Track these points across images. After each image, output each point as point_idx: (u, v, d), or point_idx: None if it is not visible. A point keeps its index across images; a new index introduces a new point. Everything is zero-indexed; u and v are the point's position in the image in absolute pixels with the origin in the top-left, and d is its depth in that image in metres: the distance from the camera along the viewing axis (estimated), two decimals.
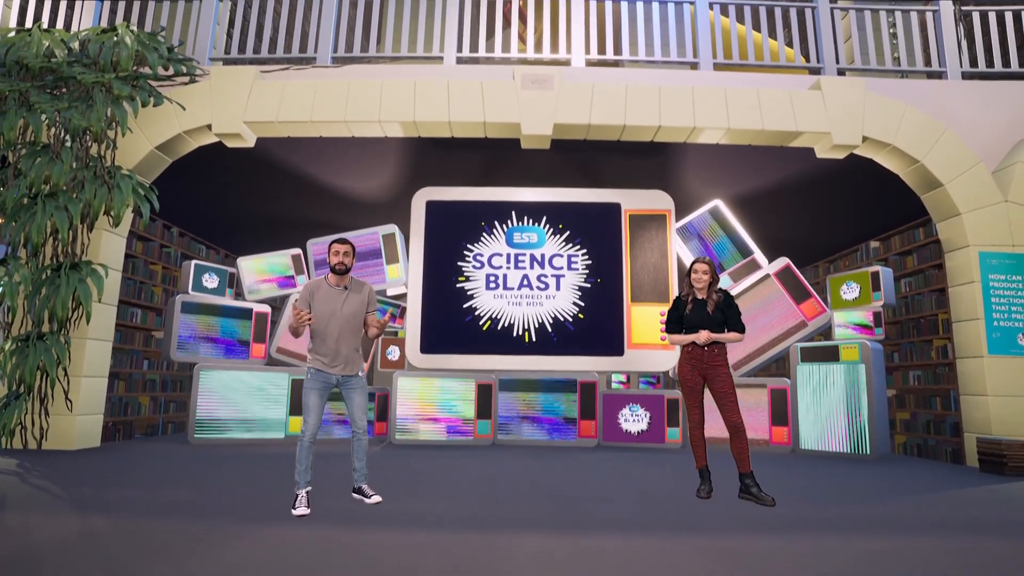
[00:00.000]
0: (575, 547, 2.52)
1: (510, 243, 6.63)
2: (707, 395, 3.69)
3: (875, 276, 5.89)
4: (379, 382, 7.34)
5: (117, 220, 5.01)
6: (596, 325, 6.42)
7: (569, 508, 3.27)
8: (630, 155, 6.44)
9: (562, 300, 6.50)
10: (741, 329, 3.62)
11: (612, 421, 6.21)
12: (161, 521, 2.79)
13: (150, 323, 6.71)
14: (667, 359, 6.26)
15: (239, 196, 7.25)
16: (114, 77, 5.02)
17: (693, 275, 3.71)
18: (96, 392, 5.29)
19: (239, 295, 6.61)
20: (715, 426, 5.05)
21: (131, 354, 6.41)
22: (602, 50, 6.08)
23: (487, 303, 6.50)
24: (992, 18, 5.87)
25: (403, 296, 6.99)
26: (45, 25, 5.43)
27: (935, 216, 5.64)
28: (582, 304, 6.48)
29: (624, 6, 6.03)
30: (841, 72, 5.91)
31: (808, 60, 6.07)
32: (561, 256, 6.60)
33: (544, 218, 6.67)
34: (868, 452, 5.42)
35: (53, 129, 5.07)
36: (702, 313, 3.65)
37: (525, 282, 6.55)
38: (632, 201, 6.63)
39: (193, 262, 6.20)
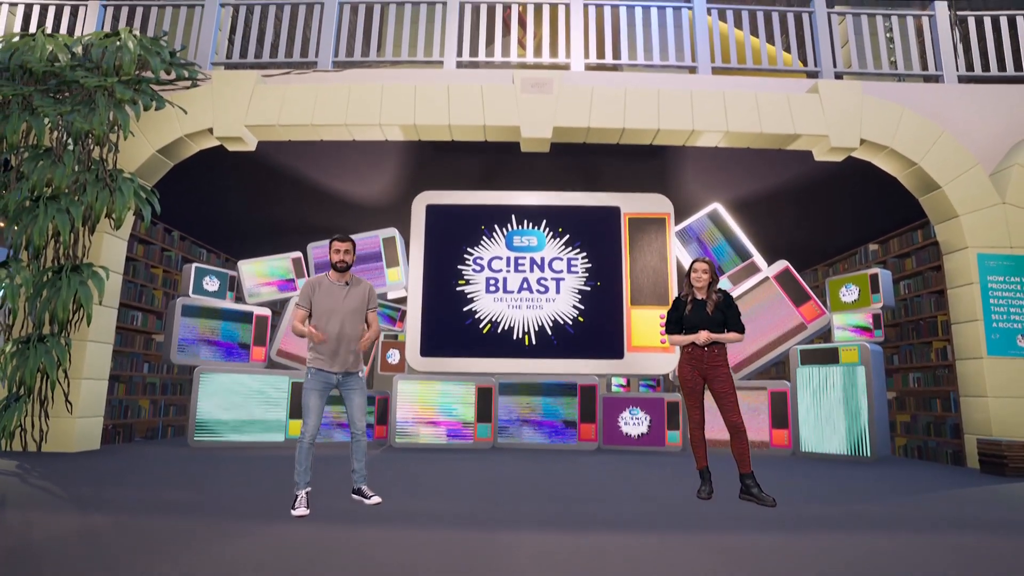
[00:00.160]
0: (575, 545, 2.52)
1: (510, 246, 6.64)
2: (707, 396, 3.69)
3: (874, 278, 5.90)
4: (379, 386, 7.34)
5: (118, 223, 5.03)
6: (596, 328, 6.42)
7: (569, 508, 3.27)
8: (629, 159, 6.47)
9: (562, 303, 6.51)
10: (741, 329, 3.62)
11: (612, 424, 6.20)
12: (161, 519, 2.79)
13: (150, 326, 6.71)
14: (667, 362, 6.26)
15: (240, 200, 7.27)
16: (116, 81, 5.05)
17: (693, 275, 3.72)
18: (96, 395, 5.29)
19: (239, 298, 6.62)
20: (715, 428, 5.05)
21: (131, 357, 6.42)
22: (601, 55, 6.13)
23: (487, 306, 6.51)
24: (987, 23, 5.92)
25: (403, 299, 7.00)
26: (49, 30, 5.47)
27: (933, 218, 5.66)
28: (582, 307, 6.49)
29: (623, 11, 6.08)
30: (838, 76, 5.95)
31: (805, 65, 6.12)
32: (561, 259, 6.61)
33: (544, 221, 6.69)
34: (868, 454, 5.41)
35: (55, 133, 5.10)
36: (702, 313, 3.65)
37: (525, 285, 6.56)
38: (631, 205, 6.65)
39: (194, 265, 6.22)
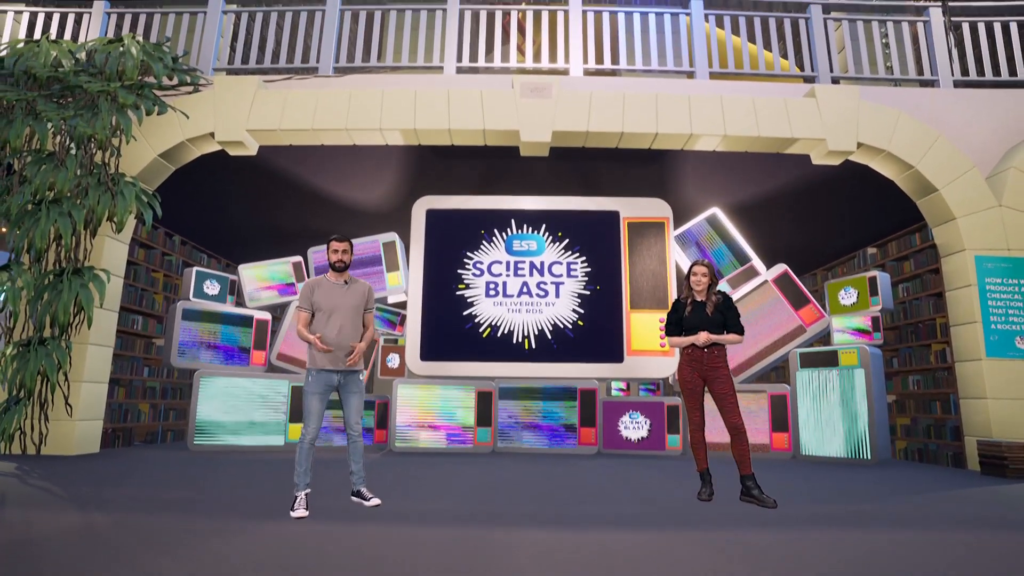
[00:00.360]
0: (575, 543, 2.51)
1: (510, 251, 6.66)
2: (708, 399, 3.70)
3: (872, 281, 5.92)
4: (379, 390, 7.34)
5: (120, 226, 5.05)
6: (596, 332, 6.43)
7: (570, 509, 3.26)
8: (628, 163, 6.51)
9: (562, 307, 6.52)
10: (740, 331, 3.63)
11: (612, 428, 6.19)
12: (160, 518, 2.79)
13: (151, 330, 6.72)
14: (666, 366, 6.26)
15: (241, 205, 7.31)
16: (119, 86, 5.10)
17: (692, 277, 3.73)
18: (96, 398, 5.29)
19: (240, 302, 6.63)
20: (715, 431, 5.05)
21: (131, 361, 6.42)
22: (600, 60, 6.19)
23: (487, 310, 6.52)
24: (981, 28, 5.98)
25: (403, 304, 7.01)
26: (53, 36, 5.52)
27: (931, 221, 5.69)
28: (582, 311, 6.50)
29: (621, 17, 6.14)
30: (835, 80, 6.00)
31: (802, 70, 6.17)
32: (560, 263, 6.63)
33: (543, 226, 6.72)
34: (869, 457, 5.40)
35: (58, 137, 5.14)
36: (701, 315, 3.66)
37: (525, 289, 6.57)
38: (631, 209, 6.68)
39: (195, 269, 6.24)
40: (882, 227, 6.79)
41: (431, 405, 6.18)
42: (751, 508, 3.31)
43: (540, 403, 6.24)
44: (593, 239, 6.67)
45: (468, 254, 6.66)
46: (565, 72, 6.03)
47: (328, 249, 3.35)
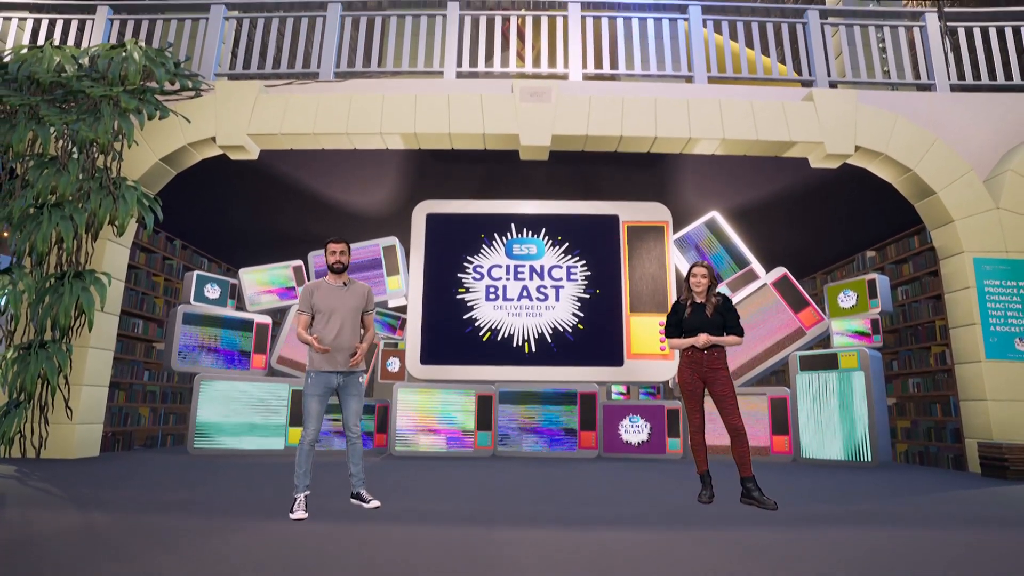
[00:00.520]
0: (576, 543, 2.51)
1: (510, 255, 6.68)
2: (708, 401, 3.70)
3: (871, 284, 5.94)
4: (379, 394, 7.33)
5: (121, 230, 5.07)
6: (596, 335, 6.44)
7: (570, 510, 3.26)
8: (628, 168, 6.54)
9: (561, 311, 6.53)
10: (740, 332, 3.63)
11: (612, 432, 6.18)
12: (160, 518, 2.79)
13: (151, 334, 6.73)
14: (666, 369, 6.26)
15: (242, 210, 7.33)
16: (122, 91, 5.14)
17: (692, 279, 3.73)
18: (96, 401, 5.30)
19: (240, 306, 6.65)
20: (715, 434, 5.05)
21: (132, 364, 6.43)
22: (599, 65, 6.23)
23: (487, 314, 6.53)
24: (977, 33, 6.03)
25: (404, 308, 7.02)
26: (57, 42, 5.57)
27: (929, 224, 5.71)
28: (581, 315, 6.51)
29: (620, 22, 6.19)
30: (833, 85, 6.04)
31: (800, 75, 6.21)
32: (560, 267, 6.65)
33: (543, 230, 6.74)
34: (870, 460, 5.39)
35: (61, 141, 5.17)
36: (701, 317, 3.66)
37: (525, 293, 6.58)
38: (630, 213, 6.70)
39: (195, 272, 6.26)
40: (881, 230, 6.81)
41: (431, 409, 6.18)
42: (752, 510, 3.30)
43: (540, 407, 6.24)
44: (593, 243, 6.69)
45: (468, 258, 6.67)
46: (564, 77, 6.08)
47: (326, 251, 3.37)
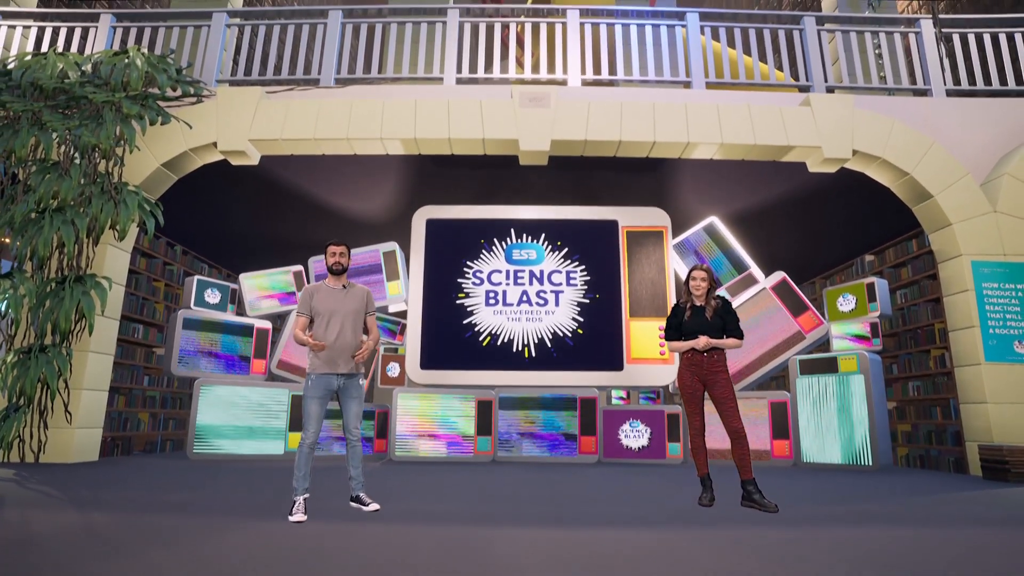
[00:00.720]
0: (575, 540, 2.51)
1: (509, 260, 6.70)
2: (708, 404, 3.70)
3: (870, 287, 5.95)
4: (379, 399, 7.32)
5: (122, 234, 5.09)
6: (595, 340, 6.44)
7: (571, 511, 3.26)
8: (627, 173, 6.57)
9: (561, 316, 6.54)
10: (740, 335, 3.63)
11: (612, 437, 6.17)
12: (160, 518, 2.79)
13: (151, 339, 6.73)
14: (666, 373, 6.26)
15: (242, 215, 7.36)
16: (124, 96, 5.17)
17: (692, 282, 3.72)
18: (96, 405, 5.29)
19: (241, 311, 6.65)
20: (715, 437, 5.04)
21: (132, 369, 6.42)
22: (597, 71, 6.27)
23: (487, 319, 6.53)
24: (971, 39, 6.09)
25: (404, 313, 7.03)
26: (60, 49, 5.61)
27: (927, 227, 5.73)
28: (581, 320, 6.52)
29: (618, 29, 6.25)
30: (830, 90, 6.09)
31: (797, 80, 6.26)
32: (560, 272, 6.66)
33: (543, 235, 6.76)
34: (870, 463, 5.38)
35: (63, 147, 5.20)
36: (701, 319, 3.66)
37: (524, 298, 6.59)
38: (629, 218, 6.73)
39: (196, 277, 6.27)
40: (879, 234, 6.83)
41: (431, 414, 6.17)
42: (752, 511, 3.29)
43: (540, 412, 6.23)
44: (592, 248, 6.71)
45: (468, 263, 6.69)
46: (564, 83, 6.12)
47: (326, 253, 3.38)
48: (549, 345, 6.45)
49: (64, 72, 5.25)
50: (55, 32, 6.28)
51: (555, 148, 5.73)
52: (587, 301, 6.57)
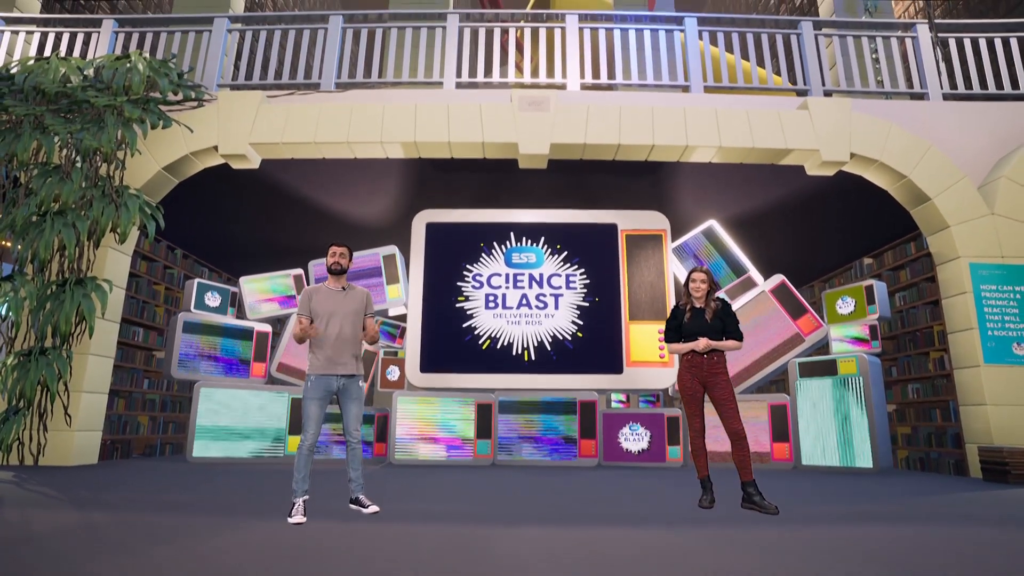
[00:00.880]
0: (576, 539, 2.51)
1: (509, 263, 6.71)
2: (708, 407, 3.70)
3: (869, 290, 5.97)
4: (379, 402, 7.32)
5: (123, 237, 5.11)
6: (595, 343, 6.44)
7: (572, 511, 3.26)
8: (626, 177, 6.60)
9: (561, 319, 6.54)
10: (739, 337, 3.63)
11: (612, 440, 6.16)
12: (160, 516, 2.79)
13: (151, 342, 6.73)
14: (666, 376, 6.26)
15: (243, 220, 7.38)
16: (125, 100, 5.20)
17: (691, 284, 3.73)
18: (96, 408, 5.29)
19: (241, 315, 6.66)
20: (715, 440, 5.04)
21: (132, 372, 6.42)
22: (596, 75, 6.31)
23: (486, 322, 6.54)
24: (967, 44, 6.13)
25: (403, 316, 7.04)
26: (63, 55, 5.65)
27: (925, 230, 5.76)
28: (581, 323, 6.52)
29: (617, 34, 6.29)
30: (828, 94, 6.13)
31: (795, 84, 6.30)
32: (559, 276, 6.67)
33: (542, 239, 6.77)
34: (871, 465, 5.38)
35: (65, 150, 5.22)
36: (700, 321, 3.67)
37: (524, 301, 6.60)
38: (628, 222, 6.74)
39: (196, 280, 6.29)
40: (877, 237, 6.85)
41: (431, 417, 6.16)
42: (753, 513, 3.29)
43: (540, 416, 6.22)
44: (592, 251, 6.72)
45: (468, 267, 6.70)
46: (563, 87, 6.16)
47: (327, 255, 3.40)
48: (549, 348, 6.46)
49: (66, 76, 5.29)
50: (58, 37, 6.32)
51: (554, 151, 5.75)
52: (587, 304, 6.58)
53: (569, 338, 6.48)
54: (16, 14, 6.66)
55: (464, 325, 6.52)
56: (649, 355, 6.35)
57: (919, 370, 6.19)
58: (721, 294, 6.37)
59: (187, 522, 2.71)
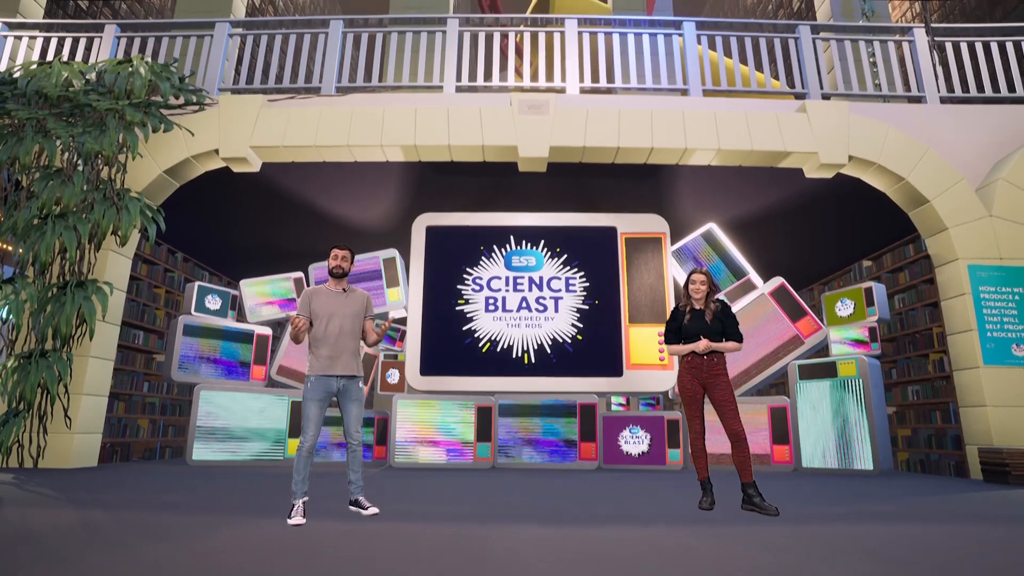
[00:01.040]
0: (576, 537, 2.52)
1: (509, 266, 6.72)
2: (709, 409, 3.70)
3: (868, 292, 5.98)
4: (379, 406, 7.32)
5: (124, 239, 5.13)
6: (595, 346, 6.45)
7: (572, 511, 3.26)
8: (625, 180, 6.62)
9: (560, 322, 6.55)
10: (739, 338, 3.64)
11: (612, 443, 6.16)
12: (158, 515, 2.79)
13: (152, 345, 6.75)
14: (666, 379, 6.26)
15: (243, 223, 7.40)
16: (127, 104, 5.24)
17: (691, 286, 3.74)
18: (96, 411, 5.29)
19: (241, 318, 6.67)
20: (715, 443, 5.03)
21: (132, 375, 6.43)
22: (595, 79, 6.34)
23: (486, 325, 6.54)
24: (964, 48, 6.17)
25: (403, 320, 7.04)
26: (65, 58, 5.69)
27: (923, 232, 5.77)
28: (580, 325, 6.53)
29: (616, 38, 6.33)
30: (826, 97, 6.16)
31: (793, 88, 6.34)
32: (559, 279, 6.68)
33: (542, 242, 6.78)
34: (871, 467, 5.37)
35: (66, 154, 5.25)
36: (700, 323, 3.67)
37: (524, 304, 6.61)
38: (628, 225, 6.76)
39: (196, 283, 6.30)
40: (876, 239, 6.87)
41: (431, 420, 6.16)
42: (753, 515, 3.29)
43: (540, 419, 6.22)
44: (591, 254, 6.73)
45: (467, 270, 6.71)
46: (562, 91, 6.19)
47: (329, 257, 3.41)
48: (548, 351, 6.46)
49: (69, 80, 5.32)
50: (60, 42, 6.36)
51: (554, 154, 5.78)
52: (586, 307, 6.58)
53: (569, 341, 6.48)
54: (19, 19, 6.70)
55: (464, 328, 6.52)
56: (649, 358, 6.35)
57: (919, 372, 6.19)
58: (720, 296, 6.43)
59: (186, 522, 2.72)
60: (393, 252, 6.92)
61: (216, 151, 5.67)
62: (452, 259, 6.72)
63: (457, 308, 6.59)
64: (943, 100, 6.09)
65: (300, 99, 5.98)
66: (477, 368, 6.41)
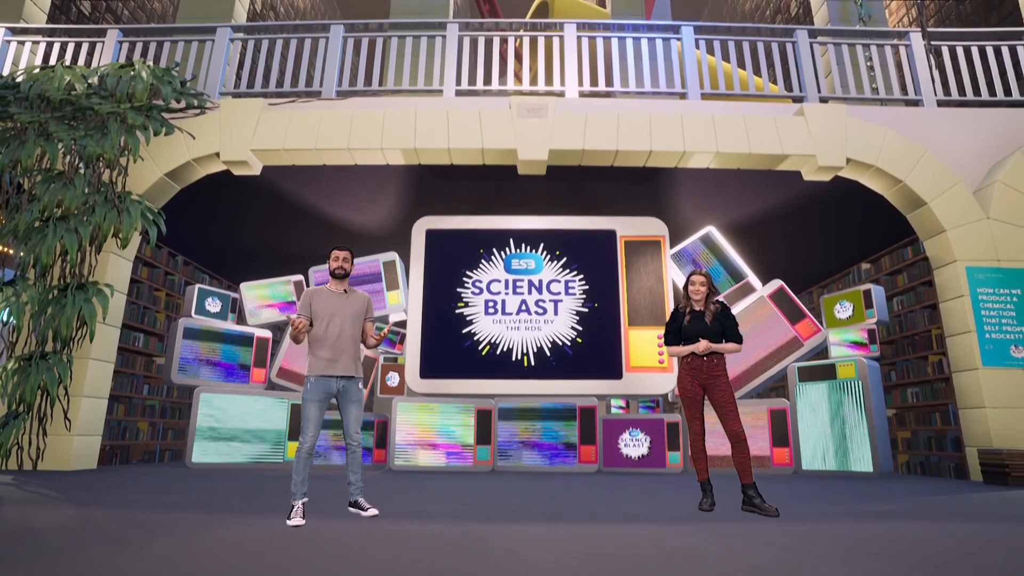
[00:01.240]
0: (576, 537, 2.52)
1: (508, 269, 6.74)
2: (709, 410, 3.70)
3: (867, 294, 6.00)
4: (378, 408, 7.31)
5: (125, 242, 5.14)
6: (594, 349, 6.45)
7: (570, 511, 3.26)
8: (624, 183, 6.65)
9: (560, 325, 6.56)
10: (739, 339, 3.64)
11: (612, 446, 6.15)
12: (158, 514, 2.79)
13: (152, 348, 6.75)
14: (665, 382, 6.26)
15: (244, 226, 7.42)
16: (129, 108, 5.26)
17: (691, 287, 3.75)
18: (95, 413, 5.29)
19: (241, 320, 6.68)
20: (715, 445, 5.03)
21: (132, 378, 6.43)
22: (594, 82, 6.38)
23: (486, 328, 6.56)
24: (960, 52, 6.22)
25: (403, 323, 7.05)
26: (68, 63, 5.72)
27: (921, 234, 5.80)
28: (580, 328, 6.54)
29: (615, 43, 6.37)
30: (823, 100, 6.19)
31: (791, 92, 6.37)
32: (559, 282, 6.70)
33: (541, 245, 6.81)
34: (871, 470, 5.37)
35: (68, 157, 5.27)
36: (700, 324, 3.68)
37: (523, 307, 6.62)
38: (627, 228, 6.78)
39: (197, 286, 6.31)
40: (874, 242, 6.89)
41: (430, 423, 6.15)
42: (753, 515, 3.29)
43: (540, 422, 6.21)
44: (591, 257, 6.75)
45: (467, 273, 6.73)
46: (561, 94, 6.23)
47: (329, 258, 3.42)
48: (548, 354, 6.47)
49: (71, 84, 5.35)
50: (63, 47, 6.39)
51: (553, 157, 5.80)
52: (586, 310, 6.60)
53: (569, 344, 6.49)
54: (23, 24, 6.75)
55: (464, 331, 6.53)
56: (648, 361, 6.36)
57: (918, 374, 6.19)
58: (720, 298, 6.44)
59: (186, 521, 2.72)
60: (393, 255, 6.94)
61: (217, 154, 5.70)
62: (452, 262, 6.74)
63: (457, 311, 6.60)
64: (940, 103, 6.13)
65: (301, 103, 6.01)
66: (477, 371, 6.42)
